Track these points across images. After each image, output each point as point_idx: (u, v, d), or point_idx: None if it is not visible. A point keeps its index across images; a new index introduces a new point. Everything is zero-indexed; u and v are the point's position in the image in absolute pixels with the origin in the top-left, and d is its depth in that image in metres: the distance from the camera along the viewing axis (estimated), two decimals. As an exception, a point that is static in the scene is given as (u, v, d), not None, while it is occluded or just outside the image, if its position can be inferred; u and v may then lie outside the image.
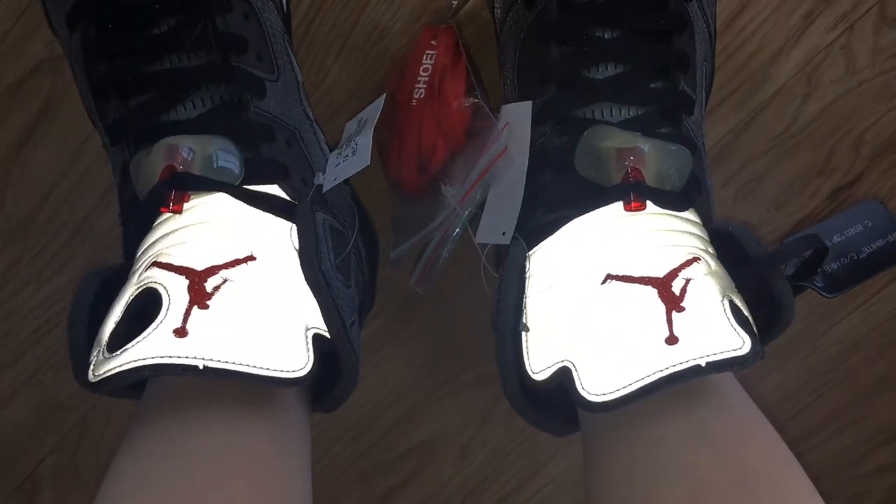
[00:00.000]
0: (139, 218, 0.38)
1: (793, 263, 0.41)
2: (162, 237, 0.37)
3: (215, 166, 0.38)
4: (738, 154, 0.54)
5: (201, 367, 0.33)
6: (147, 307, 0.36)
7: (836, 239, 0.45)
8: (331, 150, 0.43)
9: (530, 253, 0.39)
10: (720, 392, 0.37)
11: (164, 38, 0.39)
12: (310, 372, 0.35)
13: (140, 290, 0.36)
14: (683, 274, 0.36)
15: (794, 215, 0.56)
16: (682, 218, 0.38)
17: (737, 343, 0.34)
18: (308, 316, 0.36)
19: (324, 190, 0.40)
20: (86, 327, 0.37)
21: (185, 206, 0.38)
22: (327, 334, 0.37)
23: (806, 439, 0.64)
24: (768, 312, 0.37)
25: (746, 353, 0.33)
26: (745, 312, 0.36)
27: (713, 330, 0.34)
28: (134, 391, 0.39)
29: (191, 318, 0.34)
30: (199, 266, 0.36)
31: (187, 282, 0.35)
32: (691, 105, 0.41)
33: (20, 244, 0.54)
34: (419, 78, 0.45)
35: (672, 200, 0.38)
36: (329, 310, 0.36)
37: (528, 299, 0.38)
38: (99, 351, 0.35)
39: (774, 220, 0.56)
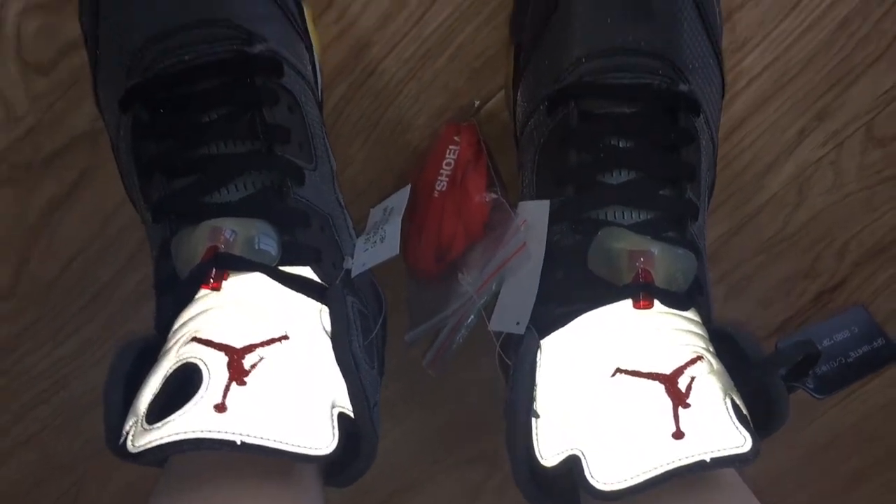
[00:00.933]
0: (179, 293, 0.40)
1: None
2: (201, 313, 0.39)
3: (255, 248, 0.40)
4: (730, 255, 0.57)
5: (239, 442, 0.35)
6: (184, 380, 0.37)
7: (825, 343, 0.48)
8: (356, 235, 0.46)
9: (542, 343, 0.41)
10: (722, 481, 0.39)
11: (214, 126, 0.41)
12: (335, 450, 0.37)
13: (180, 364, 0.38)
14: (689, 371, 0.39)
15: (780, 315, 0.59)
16: (685, 317, 0.41)
17: (739, 441, 0.36)
18: (335, 395, 0.38)
19: (352, 275, 0.43)
20: (121, 396, 0.39)
21: (224, 283, 0.40)
22: (351, 414, 0.39)
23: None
24: (764, 411, 0.40)
25: (748, 451, 0.36)
26: (744, 410, 0.39)
27: (717, 427, 0.37)
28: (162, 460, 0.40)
29: (230, 394, 0.36)
30: (238, 344, 0.38)
31: (226, 359, 0.37)
32: (696, 212, 0.44)
33: (40, 306, 0.56)
34: (442, 171, 0.48)
35: (677, 301, 0.41)
36: (356, 391, 0.38)
37: (539, 387, 0.41)
38: (136, 421, 0.37)
39: (762, 317, 0.59)
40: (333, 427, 0.37)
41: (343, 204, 0.46)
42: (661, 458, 0.36)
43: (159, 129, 0.42)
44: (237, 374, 0.37)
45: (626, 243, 0.42)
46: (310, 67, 0.46)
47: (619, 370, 0.39)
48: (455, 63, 0.50)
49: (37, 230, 0.53)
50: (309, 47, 0.46)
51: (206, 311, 0.39)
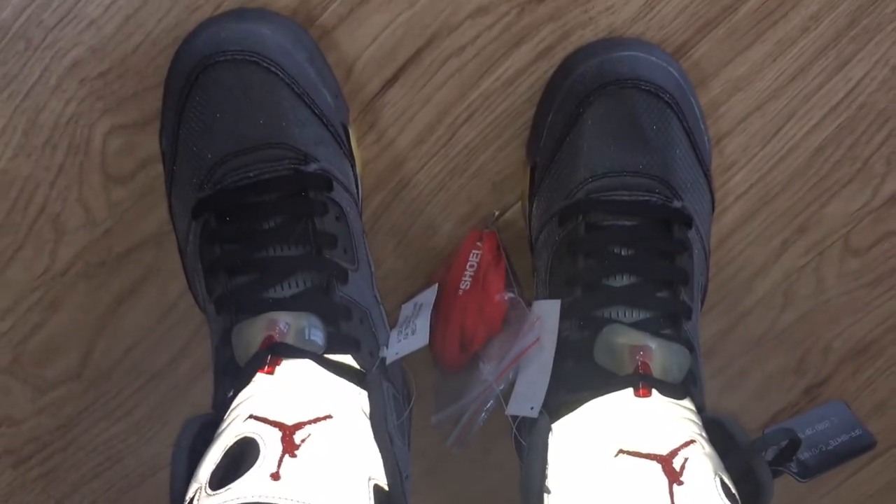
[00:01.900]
0: (238, 376, 0.46)
1: (772, 451, 0.49)
2: (258, 394, 0.45)
3: (305, 338, 0.46)
4: (724, 352, 0.63)
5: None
6: (242, 453, 0.43)
7: (807, 432, 0.53)
8: (390, 327, 0.52)
9: (554, 426, 0.47)
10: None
11: (272, 232, 0.48)
12: None
13: (239, 438, 0.43)
14: (683, 453, 0.44)
15: (772, 407, 0.64)
16: (681, 405, 0.47)
17: None
18: (371, 468, 0.44)
19: (387, 363, 0.49)
20: (185, 466, 0.45)
21: (277, 368, 0.46)
22: (385, 486, 0.44)
23: None
24: (751, 491, 0.45)
25: None
26: (733, 489, 0.44)
27: (708, 502, 0.42)
28: None
29: (283, 464, 0.41)
30: (289, 421, 0.43)
31: (280, 434, 0.43)
32: (690, 312, 0.50)
33: (100, 388, 0.62)
34: (466, 272, 0.55)
35: (673, 390, 0.47)
36: (391, 465, 0.44)
37: (550, 466, 0.46)
38: (200, 489, 0.42)
39: (755, 410, 0.65)
40: (370, 497, 0.43)
41: (379, 300, 0.52)
42: (658, 529, 0.41)
43: (225, 235, 0.49)
44: (289, 447, 0.43)
45: (627, 339, 0.48)
46: (353, 181, 0.53)
47: (621, 451, 0.44)
48: (478, 178, 0.57)
49: (104, 319, 0.60)
50: (353, 164, 0.53)
51: (262, 392, 0.45)
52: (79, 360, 0.61)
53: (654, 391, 0.46)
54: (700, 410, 0.48)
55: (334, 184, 0.50)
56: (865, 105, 0.56)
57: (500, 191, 0.58)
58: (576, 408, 0.47)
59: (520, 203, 0.58)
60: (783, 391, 0.64)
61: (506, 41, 0.54)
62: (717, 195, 0.56)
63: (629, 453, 0.44)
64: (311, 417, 0.44)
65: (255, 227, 0.49)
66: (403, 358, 0.49)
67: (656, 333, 0.48)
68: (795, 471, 0.49)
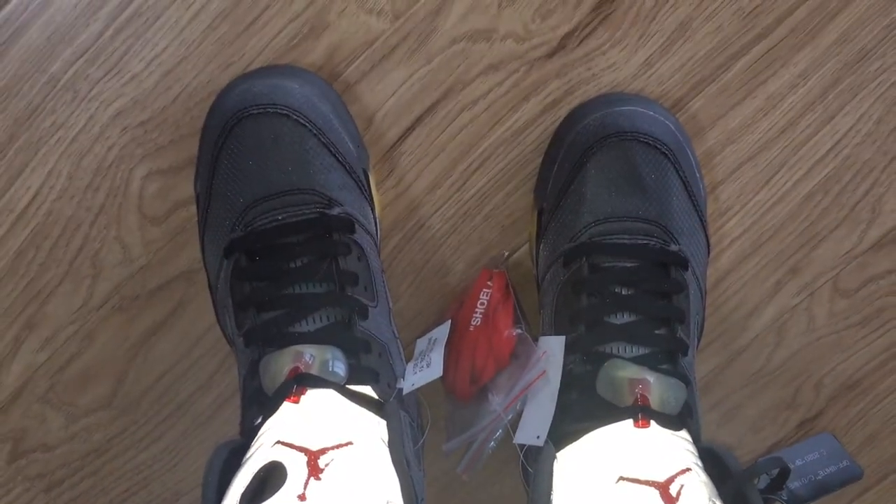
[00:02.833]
0: (265, 404, 0.50)
1: (764, 479, 0.52)
2: (284, 421, 0.48)
3: (329, 370, 0.50)
4: (721, 387, 0.66)
5: None
6: (268, 476, 0.46)
7: (798, 462, 0.56)
8: (405, 359, 0.56)
9: (558, 454, 0.50)
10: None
11: (299, 271, 0.52)
12: None
13: (267, 462, 0.47)
14: (679, 480, 0.47)
15: (767, 440, 0.67)
16: (678, 436, 0.50)
17: None
18: (388, 492, 0.47)
19: (403, 393, 0.53)
20: (216, 489, 0.48)
21: (302, 398, 0.49)
22: None
23: None
24: None
25: None
26: None
27: None
28: None
29: (308, 486, 0.45)
30: (314, 447, 0.47)
31: (306, 458, 0.46)
32: (686, 349, 0.54)
33: (129, 416, 0.65)
34: (477, 309, 0.59)
35: (670, 422, 0.50)
36: (408, 489, 0.47)
37: (555, 492, 0.49)
38: None
39: (751, 443, 0.68)
40: None
41: (396, 334, 0.56)
42: (656, 552, 0.45)
43: (255, 273, 0.53)
44: (314, 471, 0.46)
45: (627, 373, 0.51)
46: (373, 223, 0.57)
47: (621, 478, 0.47)
48: (489, 222, 0.61)
49: (135, 351, 0.63)
50: (372, 207, 0.57)
51: (288, 419, 0.49)
52: (110, 389, 0.64)
53: (652, 422, 0.50)
54: (696, 441, 0.52)
55: (356, 226, 0.54)
56: (851, 156, 0.60)
57: (509, 233, 0.62)
58: (579, 437, 0.50)
59: (527, 245, 0.62)
60: (777, 425, 0.67)
61: (515, 95, 0.58)
62: (713, 239, 0.59)
63: (629, 480, 0.47)
64: (334, 444, 0.47)
65: (283, 265, 0.52)
66: (419, 389, 0.53)
67: (654, 368, 0.52)
68: (786, 499, 0.52)
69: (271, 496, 0.45)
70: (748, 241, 0.63)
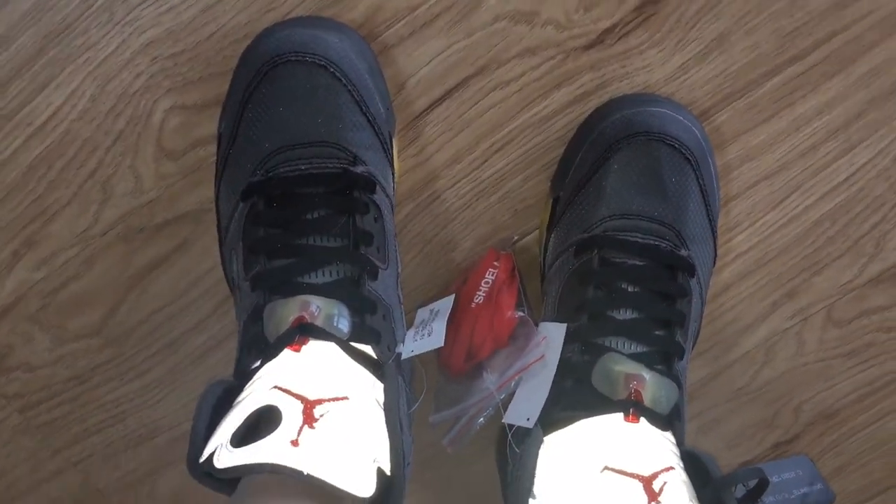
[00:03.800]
0: (265, 349, 0.50)
1: (741, 490, 0.53)
2: (283, 368, 0.49)
3: (333, 324, 0.50)
4: (706, 397, 0.67)
5: (305, 473, 0.43)
6: (260, 419, 0.47)
7: (774, 479, 0.57)
8: (406, 327, 0.56)
9: (546, 438, 0.51)
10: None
11: (315, 223, 0.52)
12: (371, 497, 0.45)
13: (262, 405, 0.47)
14: (662, 476, 0.48)
15: (741, 456, 0.69)
16: (664, 436, 0.51)
17: None
18: (377, 452, 0.47)
19: (402, 358, 0.53)
20: (207, 423, 0.48)
21: (304, 347, 0.49)
22: (387, 470, 0.47)
23: None
24: None
25: None
26: None
27: None
28: (226, 486, 0.49)
29: (302, 434, 0.45)
30: (311, 396, 0.47)
31: (302, 406, 0.46)
32: (682, 353, 0.54)
33: (117, 347, 0.65)
34: (480, 287, 0.59)
35: (659, 420, 0.51)
36: (397, 451, 0.47)
37: (538, 474, 0.50)
38: (220, 446, 0.45)
39: (726, 457, 0.69)
40: (373, 478, 0.46)
41: (401, 300, 0.56)
42: (636, 542, 0.45)
43: (270, 219, 0.53)
44: (309, 419, 0.46)
45: (624, 368, 0.52)
46: (391, 187, 0.57)
47: (606, 468, 0.48)
48: (503, 203, 0.62)
49: (133, 282, 0.63)
50: (393, 172, 0.57)
51: (288, 366, 0.49)
52: (102, 317, 0.64)
53: (642, 419, 0.50)
54: (680, 444, 0.52)
55: (377, 187, 0.54)
56: (864, 189, 0.61)
57: (520, 217, 0.62)
58: (569, 424, 0.51)
59: (537, 232, 0.62)
60: (754, 443, 0.68)
61: (548, 82, 0.59)
62: (720, 251, 0.60)
63: (614, 470, 0.48)
64: (331, 396, 0.47)
65: (300, 215, 0.52)
66: (417, 357, 0.53)
67: (650, 367, 0.52)
68: (759, 512, 0.53)
69: (262, 438, 0.45)
70: (752, 259, 0.63)
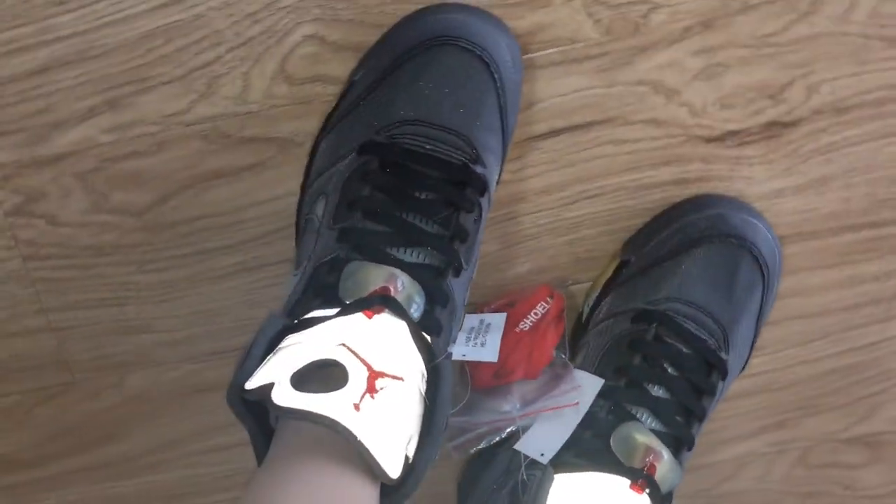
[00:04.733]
0: (333, 301, 0.50)
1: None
2: (353, 328, 0.49)
3: (409, 304, 0.51)
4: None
5: (357, 439, 0.44)
6: (319, 372, 0.47)
7: None
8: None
9: (555, 476, 0.53)
10: None
11: (422, 203, 0.52)
12: (397, 480, 0.46)
13: (330, 358, 0.47)
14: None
15: None
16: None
17: None
18: (409, 440, 0.48)
19: (452, 358, 0.54)
20: (262, 353, 0.48)
21: (377, 316, 0.50)
22: (410, 459, 0.48)
23: None
24: None
25: None
26: None
27: None
28: (251, 417, 0.49)
29: (363, 400, 0.46)
30: (375, 366, 0.47)
31: (367, 373, 0.47)
32: (692, 445, 0.58)
33: (149, 236, 0.63)
34: (529, 316, 0.61)
35: (658, 498, 0.54)
36: (433, 447, 0.48)
37: None
38: (278, 383, 0.45)
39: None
40: (401, 463, 0.47)
41: (465, 303, 0.57)
42: None
43: (382, 182, 0.53)
44: (371, 388, 0.46)
45: (646, 440, 0.55)
46: (492, 196, 0.58)
47: (604, 527, 0.51)
48: (570, 247, 0.64)
49: (193, 182, 0.62)
50: (497, 182, 0.59)
51: (358, 329, 0.49)
52: (148, 203, 0.62)
53: (646, 492, 0.53)
54: None
55: (486, 192, 0.55)
56: (880, 359, 0.66)
57: (579, 266, 0.64)
58: (576, 471, 0.53)
59: (588, 284, 0.65)
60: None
61: (659, 156, 0.61)
62: (741, 365, 0.64)
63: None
64: (392, 373, 0.48)
65: (410, 191, 0.53)
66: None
67: (667, 446, 0.55)
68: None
69: (319, 390, 0.45)
70: (761, 382, 0.67)
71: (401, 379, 0.48)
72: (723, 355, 0.58)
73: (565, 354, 0.59)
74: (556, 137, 0.61)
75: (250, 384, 0.47)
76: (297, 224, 0.59)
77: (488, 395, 0.59)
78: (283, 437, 0.48)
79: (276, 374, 0.46)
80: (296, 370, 0.46)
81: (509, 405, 0.57)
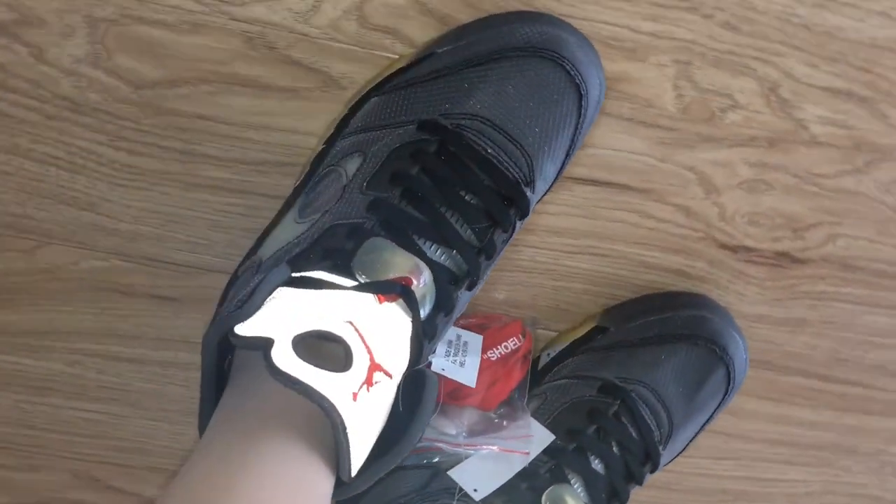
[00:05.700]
0: (345, 270, 0.46)
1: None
2: (362, 309, 0.45)
3: (421, 303, 0.48)
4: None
5: (346, 432, 0.41)
6: (320, 343, 0.43)
7: None
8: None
9: None
10: None
11: (465, 205, 0.49)
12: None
13: (337, 335, 0.43)
14: None
15: None
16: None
17: None
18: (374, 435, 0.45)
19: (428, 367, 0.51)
20: (264, 298, 0.43)
21: (387, 304, 0.47)
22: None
23: None
24: None
25: None
26: None
27: None
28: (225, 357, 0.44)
29: (360, 390, 0.42)
30: (376, 357, 0.44)
31: (368, 363, 0.43)
32: None
33: (138, 113, 0.56)
34: (499, 347, 0.59)
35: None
36: (400, 454, 0.45)
37: None
38: (279, 342, 0.41)
39: None
40: (359, 465, 0.44)
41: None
42: None
43: (431, 166, 0.49)
44: (369, 380, 0.43)
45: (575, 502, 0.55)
46: None
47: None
48: (554, 292, 0.63)
49: (213, 79, 0.55)
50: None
51: (367, 312, 0.45)
52: (154, 80, 0.55)
53: None
54: None
55: (525, 217, 0.53)
56: (772, 495, 0.70)
57: (555, 314, 0.63)
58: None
59: (556, 335, 0.64)
60: None
61: (673, 243, 0.61)
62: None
63: None
64: (387, 368, 0.45)
65: (457, 188, 0.50)
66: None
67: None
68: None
69: (312, 361, 0.41)
70: (663, 479, 0.69)
71: (390, 377, 0.45)
72: (661, 450, 0.59)
73: (524, 398, 0.58)
74: (590, 186, 0.59)
75: (243, 330, 0.42)
76: (312, 169, 0.54)
77: (436, 412, 0.57)
78: (248, 393, 0.44)
79: (275, 330, 0.42)
80: (297, 333, 0.42)
81: (455, 429, 0.55)
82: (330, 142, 0.54)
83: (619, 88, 0.57)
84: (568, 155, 0.53)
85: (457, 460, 0.54)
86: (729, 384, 0.60)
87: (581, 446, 0.56)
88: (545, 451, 0.56)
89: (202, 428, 0.46)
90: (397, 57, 0.55)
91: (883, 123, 0.58)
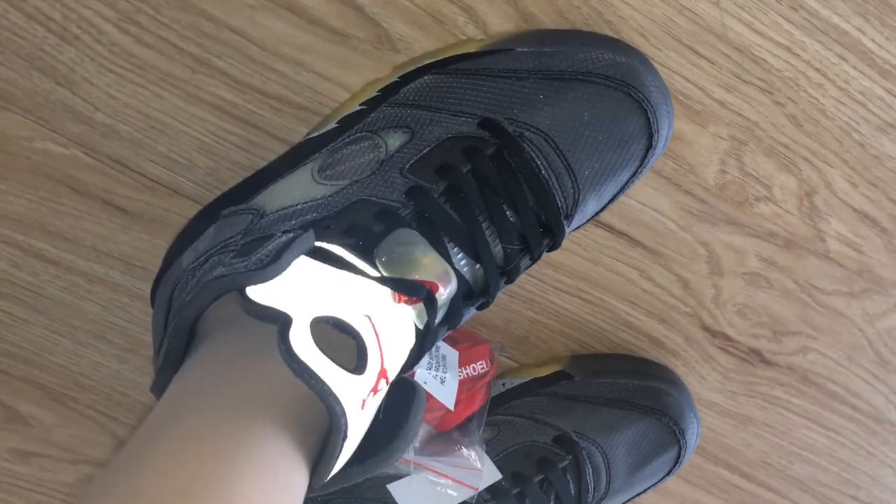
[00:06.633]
0: (369, 255, 0.42)
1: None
2: (381, 305, 0.41)
3: (434, 314, 0.44)
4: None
5: (345, 439, 0.36)
6: (334, 332, 0.38)
7: None
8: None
9: None
10: None
11: (505, 221, 0.45)
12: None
13: (355, 329, 0.38)
14: None
15: None
16: None
17: None
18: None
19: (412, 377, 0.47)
20: (287, 264, 0.38)
21: (403, 304, 0.42)
22: None
23: None
24: None
25: None
26: None
27: None
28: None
29: (368, 398, 0.38)
30: (385, 362, 0.40)
31: (379, 368, 0.39)
32: None
33: (162, 2, 0.49)
34: (466, 368, 0.55)
35: None
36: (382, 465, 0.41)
37: None
38: (298, 319, 0.36)
39: None
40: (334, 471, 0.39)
41: (450, 331, 0.51)
42: None
43: (483, 168, 0.45)
44: (375, 388, 0.39)
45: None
46: None
47: None
48: (530, 325, 0.60)
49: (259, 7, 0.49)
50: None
51: (385, 310, 0.41)
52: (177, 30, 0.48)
53: None
54: None
55: (553, 250, 0.49)
56: None
57: (524, 346, 0.61)
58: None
59: (516, 366, 0.61)
60: None
61: (661, 310, 0.60)
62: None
63: None
64: (389, 375, 0.41)
65: (500, 202, 0.46)
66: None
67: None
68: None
69: (330, 352, 0.37)
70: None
71: (388, 384, 0.41)
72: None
73: (481, 426, 0.55)
74: (604, 231, 0.57)
75: (258, 296, 0.37)
76: (342, 127, 0.49)
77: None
78: (233, 365, 0.38)
79: (292, 306, 0.37)
80: (316, 316, 0.37)
81: (411, 449, 0.51)
82: (372, 105, 0.49)
83: (669, 146, 0.54)
84: (613, 199, 0.50)
85: (397, 474, 0.50)
86: (675, 465, 0.59)
87: (523, 493, 0.54)
88: (487, 489, 0.53)
89: (161, 387, 0.40)
90: (466, 39, 0.51)
91: (893, 258, 0.58)
